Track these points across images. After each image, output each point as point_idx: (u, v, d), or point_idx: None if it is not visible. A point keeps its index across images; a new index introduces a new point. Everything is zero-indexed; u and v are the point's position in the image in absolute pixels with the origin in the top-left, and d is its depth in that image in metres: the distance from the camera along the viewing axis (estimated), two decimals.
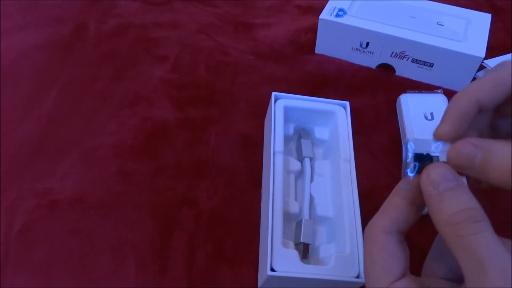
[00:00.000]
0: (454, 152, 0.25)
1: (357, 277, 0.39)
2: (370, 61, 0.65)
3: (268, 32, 0.70)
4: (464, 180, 0.26)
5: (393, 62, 0.63)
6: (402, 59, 0.62)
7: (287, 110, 0.50)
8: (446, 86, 0.62)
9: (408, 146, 0.26)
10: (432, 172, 0.25)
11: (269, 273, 0.38)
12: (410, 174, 0.26)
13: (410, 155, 0.26)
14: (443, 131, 0.26)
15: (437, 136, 0.27)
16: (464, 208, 0.23)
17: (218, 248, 0.46)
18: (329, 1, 0.65)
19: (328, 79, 0.64)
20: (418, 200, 0.26)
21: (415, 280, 0.26)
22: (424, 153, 0.26)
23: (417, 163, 0.26)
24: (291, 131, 0.52)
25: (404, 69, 0.64)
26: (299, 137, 0.51)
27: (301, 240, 0.43)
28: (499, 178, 0.23)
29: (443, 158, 0.26)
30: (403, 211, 0.27)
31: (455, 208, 0.23)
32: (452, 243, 0.23)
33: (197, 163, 0.53)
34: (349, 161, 0.47)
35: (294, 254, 0.40)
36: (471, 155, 0.24)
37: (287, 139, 0.51)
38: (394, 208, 0.27)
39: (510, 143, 0.24)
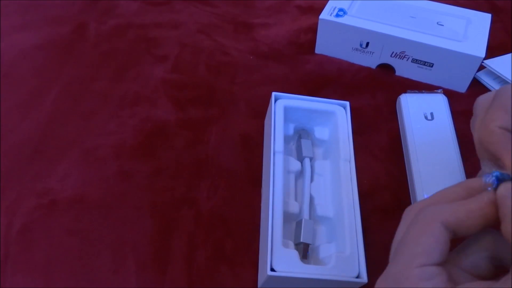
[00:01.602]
0: None
1: (357, 277, 0.39)
2: (370, 61, 0.65)
3: (268, 32, 0.70)
4: None
5: (393, 62, 0.63)
6: (402, 59, 0.62)
7: (287, 110, 0.50)
8: (446, 86, 0.62)
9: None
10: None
11: (269, 273, 0.38)
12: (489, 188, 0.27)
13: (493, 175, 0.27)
14: None
15: None
16: None
17: (218, 248, 0.46)
18: (329, 1, 0.65)
19: (328, 79, 0.64)
20: (489, 211, 0.27)
21: (446, 271, 0.26)
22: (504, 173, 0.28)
23: (496, 181, 0.27)
24: (291, 131, 0.52)
25: (404, 69, 0.64)
26: (299, 137, 0.51)
27: (301, 240, 0.43)
28: None
29: None
30: (474, 219, 0.27)
31: None
32: None
33: (197, 163, 0.53)
34: (349, 161, 0.47)
35: (294, 254, 0.40)
36: None
37: (287, 139, 0.51)
38: (465, 209, 0.27)
39: None
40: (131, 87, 0.61)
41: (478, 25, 0.63)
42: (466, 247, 0.29)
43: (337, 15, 0.63)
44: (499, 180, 0.27)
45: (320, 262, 0.42)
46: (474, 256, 0.29)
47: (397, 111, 0.59)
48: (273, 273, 0.38)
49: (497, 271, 0.29)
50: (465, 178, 0.50)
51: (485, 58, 0.60)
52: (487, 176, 0.28)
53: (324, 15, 0.63)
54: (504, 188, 0.26)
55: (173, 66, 0.64)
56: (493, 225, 0.27)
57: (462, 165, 0.51)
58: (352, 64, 0.66)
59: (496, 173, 0.27)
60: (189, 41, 0.68)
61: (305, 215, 0.45)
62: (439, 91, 0.59)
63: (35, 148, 0.53)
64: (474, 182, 0.29)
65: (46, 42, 0.66)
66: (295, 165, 0.49)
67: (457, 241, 0.28)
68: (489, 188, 0.27)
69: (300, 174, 0.49)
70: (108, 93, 0.60)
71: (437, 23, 0.62)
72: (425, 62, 0.61)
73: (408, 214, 0.30)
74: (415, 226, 0.27)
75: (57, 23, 0.69)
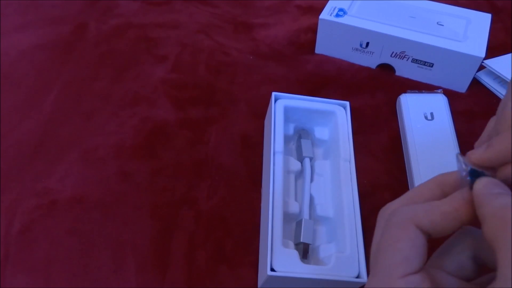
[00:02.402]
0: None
1: (357, 277, 0.39)
2: (370, 61, 0.65)
3: (268, 32, 0.70)
4: None
5: (393, 62, 0.63)
6: (402, 59, 0.62)
7: (287, 110, 0.50)
8: (446, 86, 0.62)
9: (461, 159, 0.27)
10: (488, 180, 0.26)
11: (269, 273, 0.38)
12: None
13: (465, 169, 0.26)
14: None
15: None
16: None
17: (218, 248, 0.46)
18: (329, 1, 0.65)
19: (328, 79, 0.64)
20: (464, 212, 0.26)
21: (428, 276, 0.25)
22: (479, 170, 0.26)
23: (470, 178, 0.26)
24: (291, 131, 0.52)
25: (404, 69, 0.64)
26: (299, 137, 0.51)
27: (301, 240, 0.43)
28: None
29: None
30: (449, 220, 0.26)
31: (506, 203, 0.23)
32: (497, 234, 0.23)
33: (197, 163, 0.53)
34: (349, 161, 0.47)
35: (294, 254, 0.40)
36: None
37: (287, 139, 0.51)
38: (439, 211, 0.26)
39: None
40: (131, 87, 0.61)
41: (478, 25, 0.63)
42: (448, 248, 0.28)
43: (337, 15, 0.63)
44: (474, 175, 0.26)
45: (320, 262, 0.42)
46: (459, 258, 0.28)
47: (397, 111, 0.59)
48: (273, 273, 0.38)
49: (480, 271, 0.28)
50: None
51: (485, 58, 0.60)
52: (462, 170, 0.26)
53: (324, 15, 0.63)
54: (481, 184, 0.25)
55: (173, 66, 0.64)
56: (470, 223, 0.26)
57: None
58: (352, 64, 0.66)
59: (470, 167, 0.26)
60: (189, 41, 0.68)
61: (305, 215, 0.45)
62: (439, 91, 0.59)
63: (35, 148, 0.53)
64: (448, 177, 0.28)
65: (46, 42, 0.66)
66: (295, 165, 0.49)
67: (436, 241, 0.27)
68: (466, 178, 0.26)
69: (300, 174, 0.49)
70: (108, 93, 0.60)
71: (437, 23, 0.62)
72: (425, 62, 0.61)
73: (382, 216, 0.29)
74: (390, 231, 0.26)
75: (57, 23, 0.69)
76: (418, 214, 0.26)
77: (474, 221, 0.26)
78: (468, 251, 0.28)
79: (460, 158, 0.27)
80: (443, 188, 0.28)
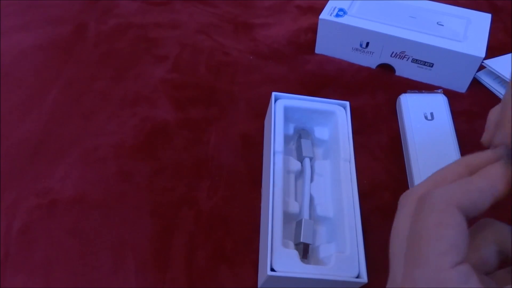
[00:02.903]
0: None
1: (357, 277, 0.39)
2: (370, 61, 0.65)
3: (268, 32, 0.70)
4: None
5: (393, 62, 0.64)
6: (402, 59, 0.62)
7: (287, 110, 0.50)
8: (446, 86, 0.62)
9: None
10: None
11: (269, 273, 0.38)
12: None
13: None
14: None
15: None
16: None
17: (218, 248, 0.46)
18: (329, 1, 0.65)
19: (328, 79, 0.64)
20: (499, 187, 0.24)
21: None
22: None
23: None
24: (291, 131, 0.52)
25: (404, 69, 0.64)
26: (299, 137, 0.51)
27: (301, 240, 0.43)
28: None
29: None
30: (485, 198, 0.24)
31: None
32: None
33: (197, 163, 0.53)
34: (349, 161, 0.47)
35: (294, 254, 0.40)
36: None
37: (287, 139, 0.51)
38: (476, 188, 0.24)
39: None
40: (131, 87, 0.61)
41: (478, 25, 0.63)
42: (471, 240, 0.26)
43: (337, 15, 0.63)
44: None
45: (320, 262, 0.42)
46: (484, 251, 0.26)
47: (397, 111, 0.59)
48: (273, 273, 0.38)
49: (501, 265, 0.27)
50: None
51: (485, 58, 0.60)
52: (501, 148, 0.25)
53: (324, 15, 0.63)
54: None
55: (173, 66, 0.64)
56: (503, 198, 0.24)
57: None
58: (352, 64, 0.66)
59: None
60: (189, 41, 0.68)
61: (305, 215, 0.45)
62: (439, 91, 0.59)
63: (35, 148, 0.53)
64: (474, 158, 0.26)
65: (46, 42, 0.66)
66: (295, 165, 0.49)
67: None
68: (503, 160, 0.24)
69: (300, 174, 0.49)
70: (108, 93, 0.60)
71: (437, 23, 0.62)
72: (425, 62, 0.61)
73: (407, 202, 0.27)
74: (431, 217, 0.24)
75: (57, 23, 0.69)
76: (457, 194, 0.24)
77: (507, 196, 0.24)
78: (491, 243, 0.27)
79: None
80: (471, 169, 0.26)
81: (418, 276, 0.23)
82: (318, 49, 0.67)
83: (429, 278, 0.23)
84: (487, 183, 0.24)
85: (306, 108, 0.51)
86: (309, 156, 0.49)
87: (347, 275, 0.39)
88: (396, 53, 0.62)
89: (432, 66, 0.61)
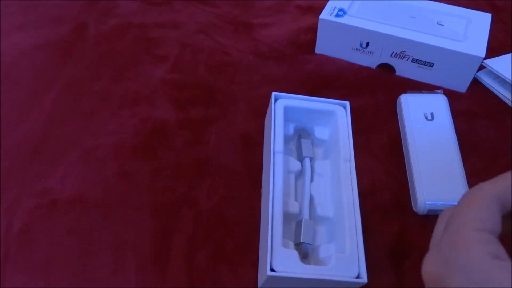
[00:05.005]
0: None
1: (357, 277, 0.39)
2: (370, 61, 0.65)
3: (268, 32, 0.70)
4: None
5: (393, 62, 0.63)
6: (402, 59, 0.62)
7: (287, 110, 0.50)
8: (446, 86, 0.62)
9: None
10: None
11: (269, 273, 0.38)
12: None
13: None
14: None
15: None
16: None
17: (218, 248, 0.46)
18: (329, 1, 0.65)
19: (328, 79, 0.64)
20: None
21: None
22: None
23: None
24: (291, 131, 0.52)
25: (404, 69, 0.64)
26: (299, 137, 0.51)
27: (301, 240, 0.43)
28: None
29: None
30: None
31: None
32: None
33: (197, 163, 0.53)
34: (349, 161, 0.47)
35: (294, 254, 0.40)
36: None
37: (287, 139, 0.51)
38: None
39: None
40: (131, 87, 0.61)
41: (478, 25, 0.63)
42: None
43: (337, 15, 0.63)
44: None
45: (320, 262, 0.42)
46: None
47: (397, 111, 0.59)
48: (273, 273, 0.38)
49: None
50: (466, 178, 0.50)
51: (485, 58, 0.60)
52: None
53: (324, 15, 0.63)
54: None
55: (173, 66, 0.64)
56: None
57: (462, 165, 0.51)
58: (352, 64, 0.66)
59: None
60: (189, 41, 0.68)
61: (305, 215, 0.45)
62: (439, 91, 0.59)
63: (35, 148, 0.53)
64: None
65: (46, 42, 0.66)
66: (295, 165, 0.49)
67: None
68: None
69: (300, 174, 0.49)
70: (108, 93, 0.60)
71: (437, 23, 0.62)
72: (425, 62, 0.61)
73: (444, 215, 0.29)
74: (466, 199, 0.26)
75: (57, 23, 0.69)
76: (498, 185, 0.26)
77: None
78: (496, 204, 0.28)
79: None
80: None
81: (444, 239, 0.26)
82: (318, 49, 0.67)
83: (451, 239, 0.25)
84: None
85: (306, 108, 0.51)
86: (309, 156, 0.49)
87: (347, 275, 0.39)
88: (396, 53, 0.62)
89: (432, 66, 0.61)
